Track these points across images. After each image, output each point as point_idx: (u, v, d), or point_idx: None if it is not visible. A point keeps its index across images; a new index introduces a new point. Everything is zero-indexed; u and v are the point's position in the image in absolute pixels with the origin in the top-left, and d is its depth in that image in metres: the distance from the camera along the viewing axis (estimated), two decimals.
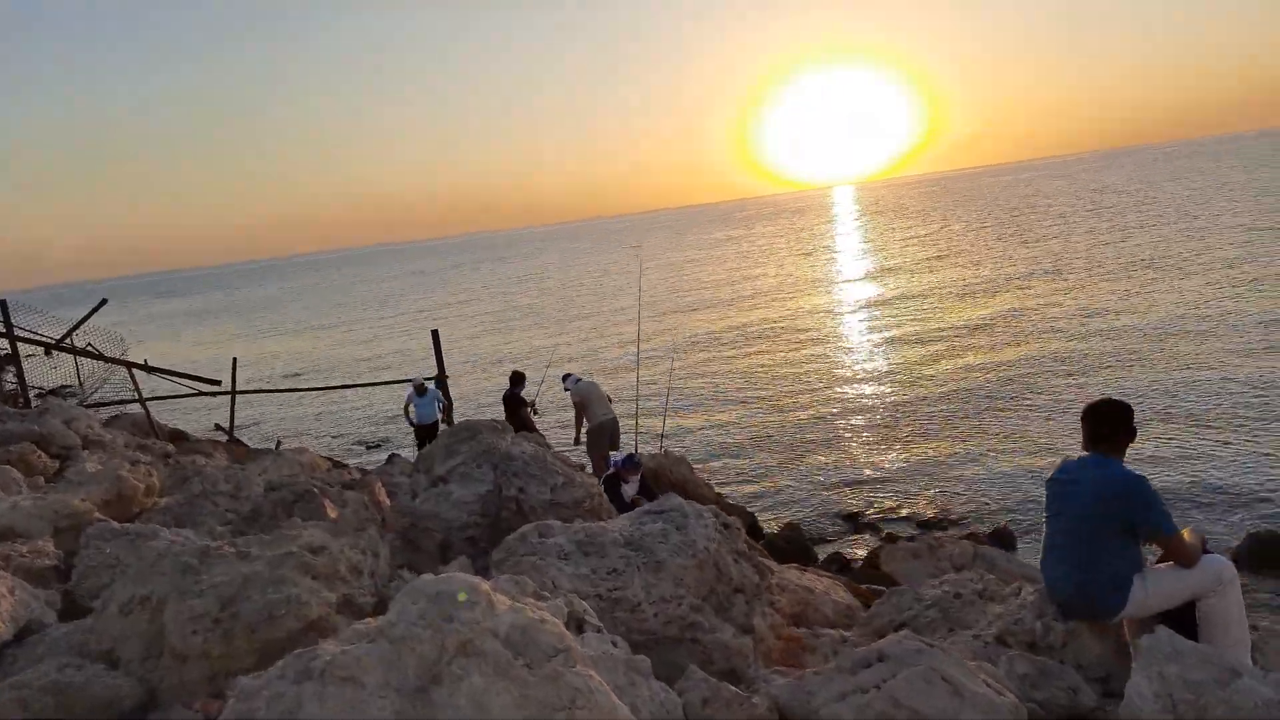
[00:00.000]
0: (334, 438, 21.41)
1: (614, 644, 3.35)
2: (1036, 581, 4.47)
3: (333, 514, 6.26)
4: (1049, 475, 3.86)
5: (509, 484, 5.06)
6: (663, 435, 12.39)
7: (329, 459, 12.44)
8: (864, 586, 6.54)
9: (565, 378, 12.51)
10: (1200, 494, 10.87)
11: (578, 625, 3.46)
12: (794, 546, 10.57)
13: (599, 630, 3.45)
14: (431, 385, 15.94)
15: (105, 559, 4.79)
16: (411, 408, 15.08)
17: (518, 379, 13.60)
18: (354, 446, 20.36)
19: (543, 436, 13.37)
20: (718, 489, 11.95)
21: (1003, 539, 10.46)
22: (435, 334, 18.37)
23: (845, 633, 4.39)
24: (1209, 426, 13.06)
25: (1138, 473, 3.53)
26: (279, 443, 15.87)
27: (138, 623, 3.88)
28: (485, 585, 3.13)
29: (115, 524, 5.54)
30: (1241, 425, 12.97)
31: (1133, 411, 3.66)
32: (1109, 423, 3.60)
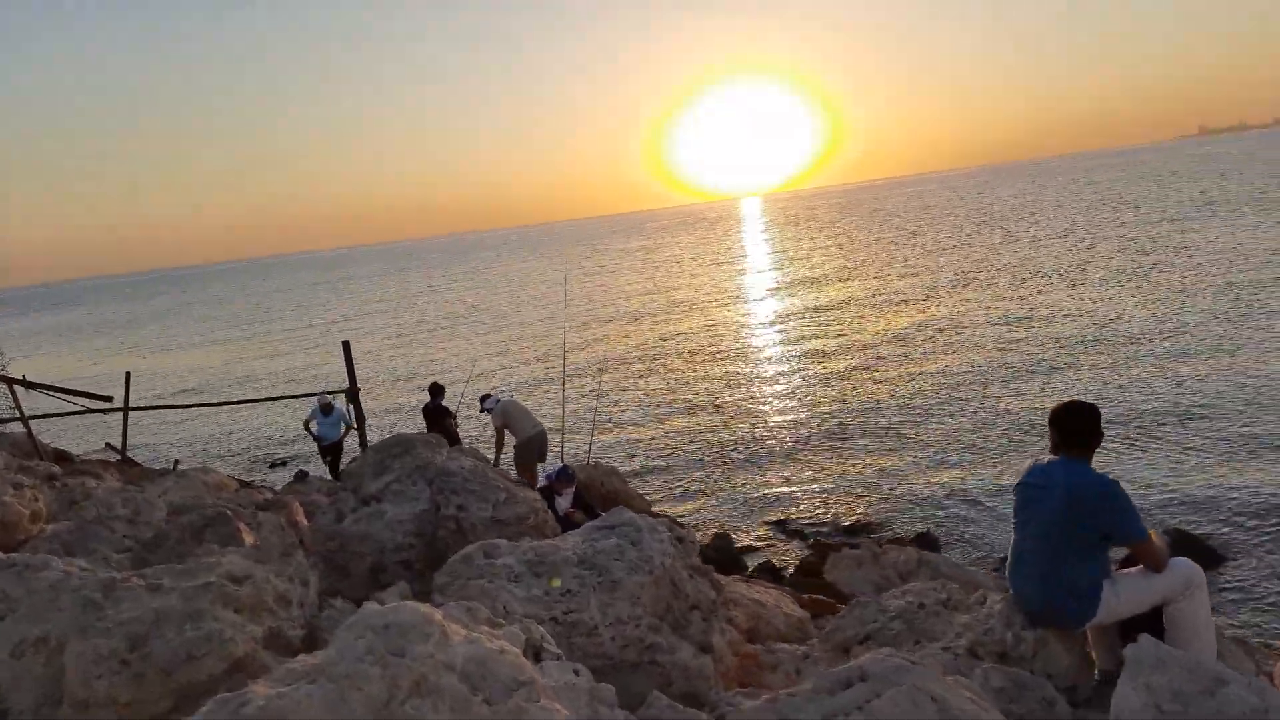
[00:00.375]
0: (235, 456, 20.37)
1: (576, 673, 3.12)
2: (992, 588, 4.43)
3: (249, 539, 5.81)
4: (1017, 480, 3.81)
5: (447, 501, 4.76)
6: (590, 447, 12.16)
7: (236, 478, 11.75)
8: (807, 596, 6.46)
9: (483, 399, 11.88)
10: None
11: (535, 654, 3.22)
12: (724, 556, 10.48)
13: (559, 658, 3.22)
14: (339, 404, 15.21)
15: None
16: (313, 424, 14.41)
17: (437, 390, 13.18)
18: (257, 464, 19.41)
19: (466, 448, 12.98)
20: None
21: (928, 544, 10.61)
22: (346, 345, 17.63)
23: (803, 648, 4.26)
24: (1119, 428, 13.62)
25: (1110, 476, 3.51)
26: (177, 462, 14.94)
27: (32, 666, 3.45)
28: (438, 614, 2.86)
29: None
30: (1148, 426, 13.57)
31: (1100, 414, 3.65)
32: (1080, 426, 3.57)
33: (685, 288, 46.64)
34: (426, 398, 13.19)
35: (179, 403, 25.79)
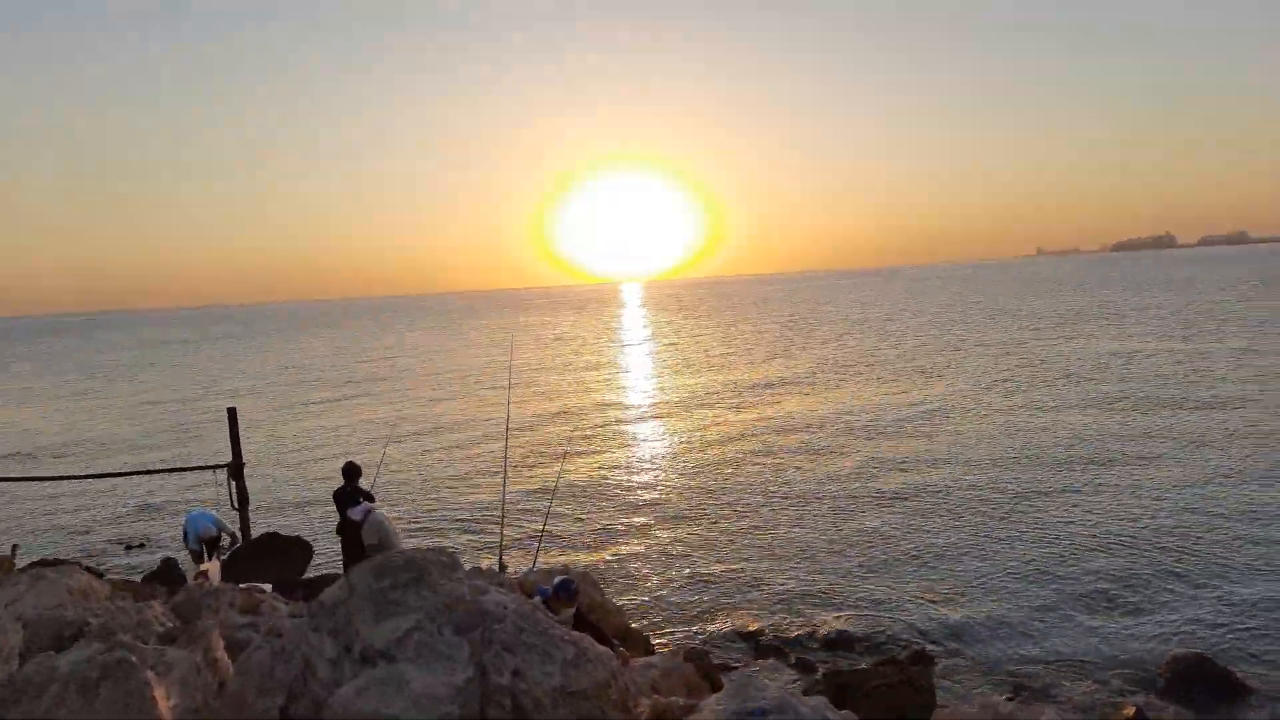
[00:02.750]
0: (81, 535, 17.31)
1: None
2: None
3: (164, 703, 4.01)
4: None
5: (499, 665, 3.23)
6: (538, 549, 10.45)
7: (95, 573, 9.37)
8: None
9: (353, 500, 9.86)
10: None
11: None
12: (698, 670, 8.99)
13: None
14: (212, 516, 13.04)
15: None
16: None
17: (352, 471, 11.19)
18: (109, 546, 16.48)
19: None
20: None
21: (921, 662, 9.53)
22: (232, 412, 15.34)
23: None
24: None
25: None
26: (16, 547, 12.22)
27: None
28: None
29: None
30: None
31: None
32: None
33: (591, 369, 45.40)
34: (337, 481, 11.22)
35: (12, 474, 22.23)
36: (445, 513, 16.34)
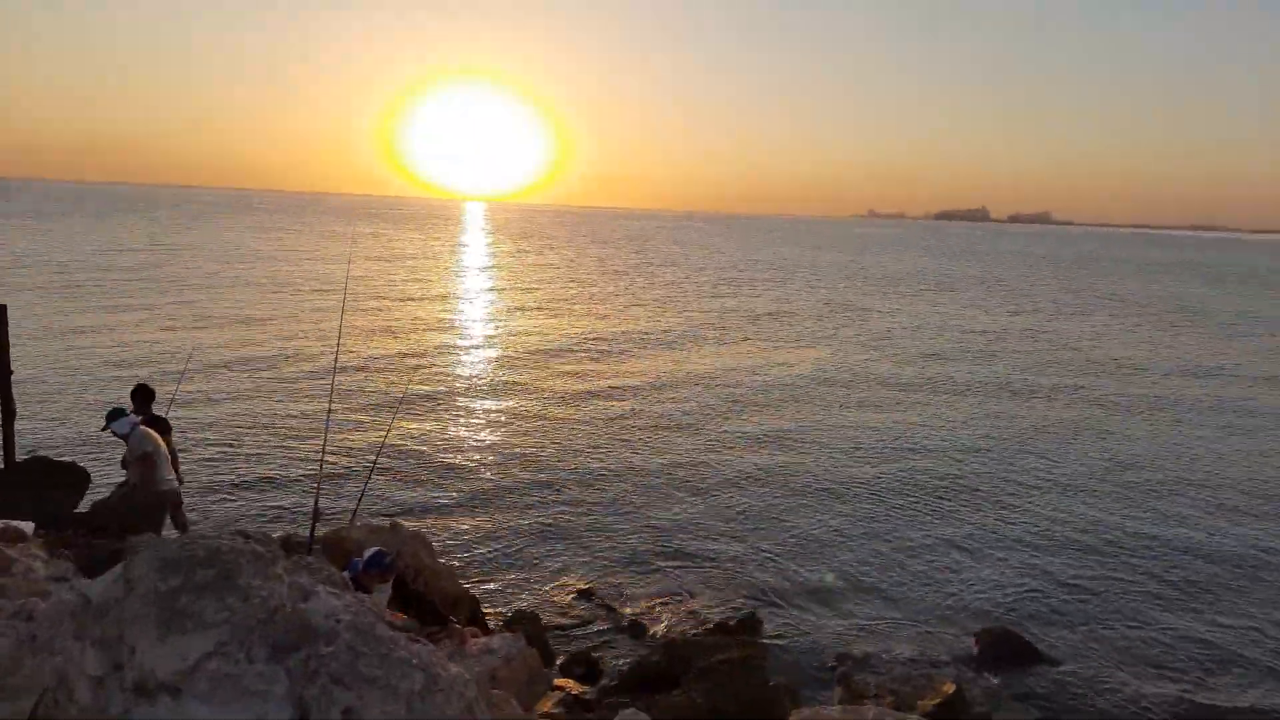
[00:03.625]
0: None
1: None
2: None
3: None
4: None
5: (325, 704, 2.57)
6: (361, 495, 9.55)
7: None
8: None
9: (117, 416, 8.64)
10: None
11: None
12: (533, 644, 8.58)
13: None
14: None
15: None
16: None
17: (145, 395, 9.79)
18: None
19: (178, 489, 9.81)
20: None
21: (751, 629, 9.57)
22: (1, 310, 13.17)
23: None
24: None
25: None
26: None
27: None
28: None
29: None
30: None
31: None
32: None
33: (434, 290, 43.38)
34: (125, 403, 9.80)
35: None
36: (253, 455, 14.64)
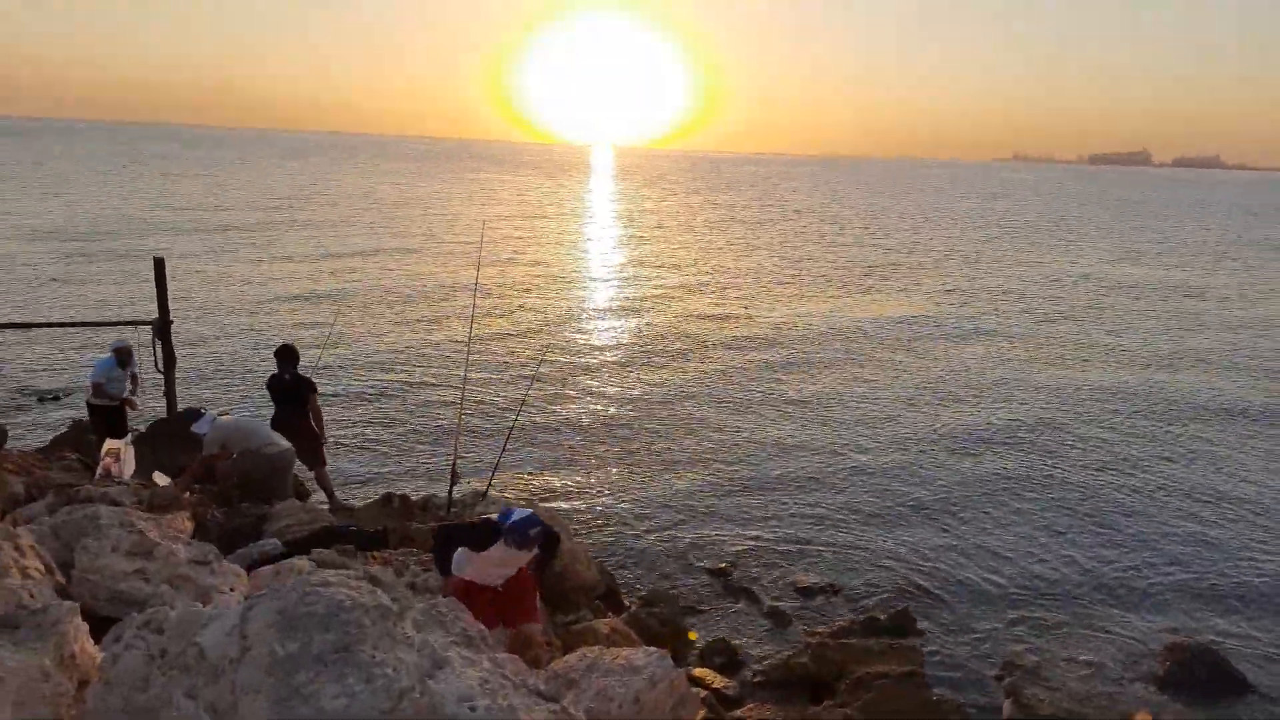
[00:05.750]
0: None
1: None
2: None
3: None
4: None
5: None
6: (492, 476, 9.23)
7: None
8: None
9: (195, 418, 8.54)
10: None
11: None
12: (668, 630, 8.13)
13: None
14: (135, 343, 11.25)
15: None
16: (105, 380, 10.51)
17: (288, 355, 9.82)
18: (17, 398, 14.98)
19: (321, 438, 9.81)
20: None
21: (903, 620, 8.81)
22: (159, 263, 13.65)
23: None
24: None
25: None
26: None
27: None
28: None
29: None
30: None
31: None
32: None
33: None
34: (270, 366, 9.87)
35: None
36: (393, 412, 14.77)
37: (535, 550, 5.51)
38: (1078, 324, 25.16)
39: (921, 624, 8.90)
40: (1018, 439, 14.67)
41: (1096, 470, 13.32)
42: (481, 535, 5.30)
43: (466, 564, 5.42)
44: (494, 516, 5.48)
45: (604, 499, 11.58)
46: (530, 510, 5.43)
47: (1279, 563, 10.44)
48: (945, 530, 11.12)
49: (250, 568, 5.88)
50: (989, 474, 13.03)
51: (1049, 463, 13.56)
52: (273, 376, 9.69)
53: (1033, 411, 16.27)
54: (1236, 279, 35.96)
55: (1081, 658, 8.47)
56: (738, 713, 6.97)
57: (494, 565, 5.41)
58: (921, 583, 9.75)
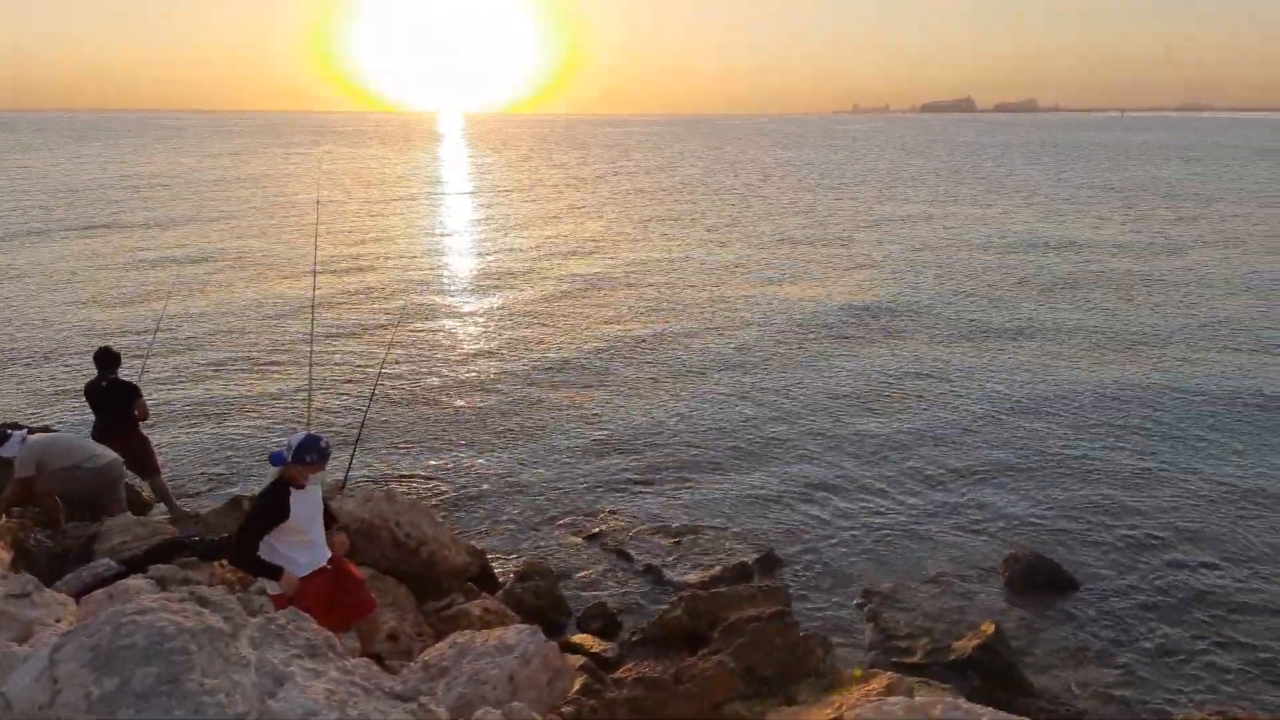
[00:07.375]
0: None
1: None
2: None
3: None
4: None
5: None
6: (351, 458, 8.88)
7: None
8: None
9: (4, 437, 7.59)
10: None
11: None
12: (544, 601, 8.13)
13: None
14: None
15: None
16: None
17: (108, 360, 9.06)
18: None
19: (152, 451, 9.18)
20: None
21: (770, 563, 9.20)
22: None
23: None
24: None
25: None
26: None
27: None
28: None
29: None
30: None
31: None
32: None
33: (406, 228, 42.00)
34: (89, 371, 9.07)
35: None
36: (235, 409, 13.89)
37: (324, 463, 5.44)
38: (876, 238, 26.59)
39: (786, 564, 9.31)
40: (869, 383, 15.46)
41: (935, 407, 14.21)
42: (274, 498, 5.17)
43: (283, 547, 5.16)
44: (273, 464, 5.38)
45: (468, 479, 11.38)
46: (303, 433, 5.48)
47: (1096, 470, 11.50)
48: (803, 473, 11.60)
49: (82, 593, 5.46)
50: (839, 416, 13.68)
51: (897, 403, 14.37)
52: (90, 383, 8.91)
53: (871, 351, 17.18)
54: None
55: (932, 575, 9.07)
56: (616, 674, 7.06)
57: (309, 513, 5.28)
58: (784, 523, 10.17)
